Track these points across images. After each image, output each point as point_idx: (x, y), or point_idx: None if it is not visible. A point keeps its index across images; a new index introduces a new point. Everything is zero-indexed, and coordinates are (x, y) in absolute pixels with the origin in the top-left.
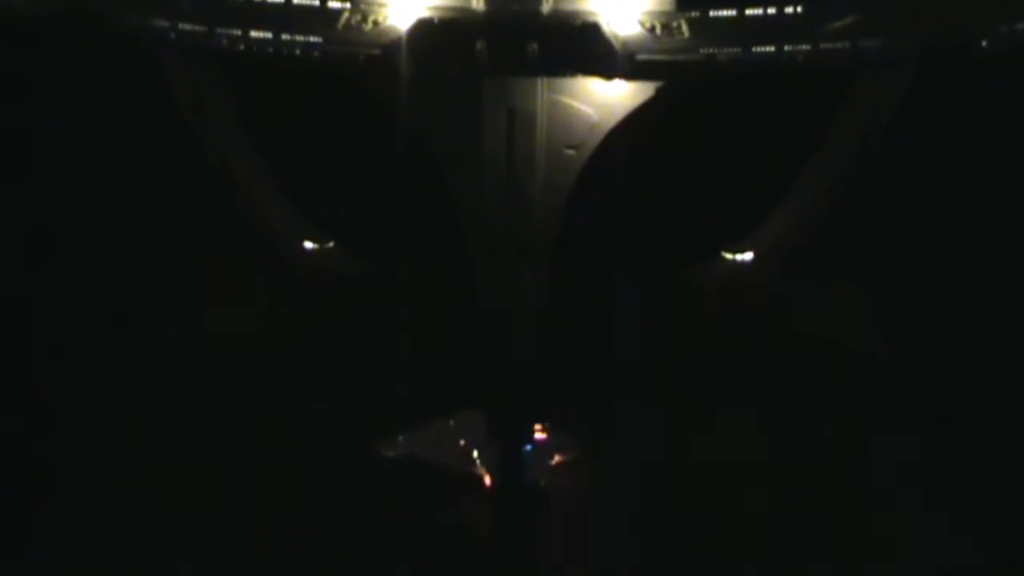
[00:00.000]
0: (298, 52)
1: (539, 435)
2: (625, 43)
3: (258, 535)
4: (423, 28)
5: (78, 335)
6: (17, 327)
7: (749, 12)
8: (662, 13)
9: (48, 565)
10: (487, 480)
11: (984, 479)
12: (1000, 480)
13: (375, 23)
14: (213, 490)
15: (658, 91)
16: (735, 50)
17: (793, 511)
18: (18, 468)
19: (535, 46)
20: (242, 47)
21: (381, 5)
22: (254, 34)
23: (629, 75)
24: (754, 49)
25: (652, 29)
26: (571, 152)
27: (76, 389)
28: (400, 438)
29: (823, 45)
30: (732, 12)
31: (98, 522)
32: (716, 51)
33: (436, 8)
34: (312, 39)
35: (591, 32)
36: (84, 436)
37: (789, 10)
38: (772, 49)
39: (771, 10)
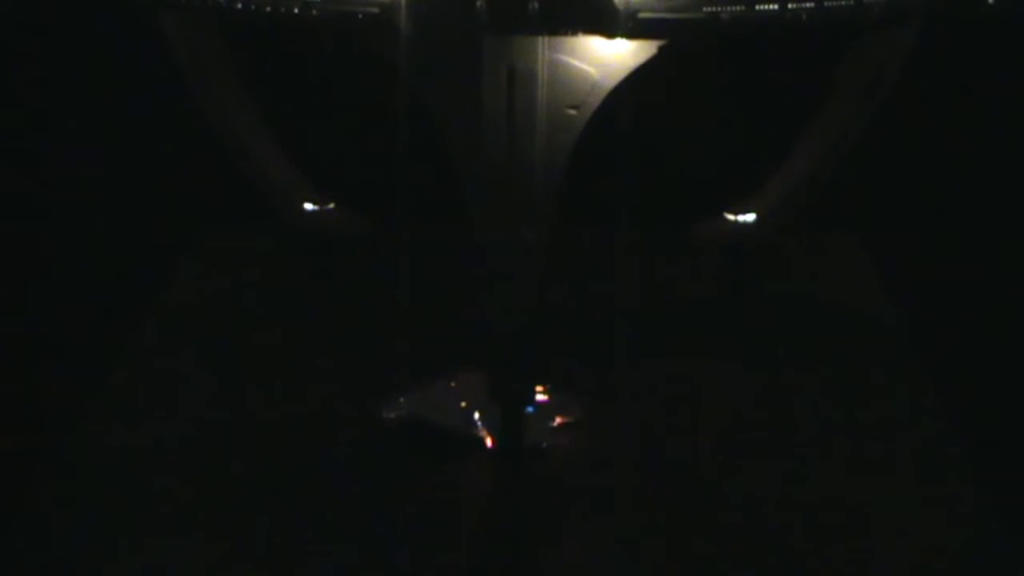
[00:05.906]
0: (296, 10)
1: (540, 396)
2: (627, 1)
3: (256, 492)
4: None
5: (72, 295)
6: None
7: None
8: None
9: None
10: (488, 441)
11: (991, 442)
12: (1008, 446)
13: None
14: (211, 442)
15: (661, 50)
16: (738, 8)
17: (796, 470)
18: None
19: (536, 4)
20: (239, 5)
21: None
22: None
23: (631, 33)
24: (758, 7)
25: None
26: (572, 112)
27: (71, 347)
28: (401, 399)
29: (828, 2)
30: None
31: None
32: (719, 9)
33: None
34: None
35: None
36: (84, 390)
37: None
38: (776, 7)
39: None
